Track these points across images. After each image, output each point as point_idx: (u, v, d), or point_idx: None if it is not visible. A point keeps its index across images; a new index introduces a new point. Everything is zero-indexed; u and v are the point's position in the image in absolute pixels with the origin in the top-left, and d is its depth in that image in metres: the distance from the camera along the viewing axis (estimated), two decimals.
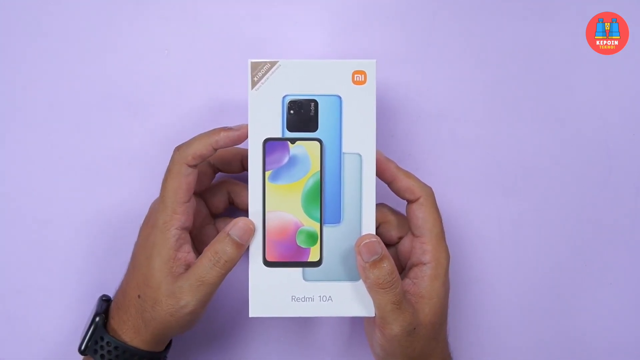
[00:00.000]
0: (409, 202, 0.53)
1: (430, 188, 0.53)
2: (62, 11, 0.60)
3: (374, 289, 0.49)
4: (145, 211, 0.55)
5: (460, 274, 0.61)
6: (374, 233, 0.50)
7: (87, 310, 0.58)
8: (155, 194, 0.53)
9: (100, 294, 0.56)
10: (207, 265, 0.50)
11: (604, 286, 0.62)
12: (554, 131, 0.61)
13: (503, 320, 0.62)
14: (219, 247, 0.50)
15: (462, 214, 0.61)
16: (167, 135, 0.60)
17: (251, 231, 0.50)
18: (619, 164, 0.62)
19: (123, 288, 0.54)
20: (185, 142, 0.52)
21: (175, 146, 0.52)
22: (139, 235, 0.54)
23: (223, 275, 0.50)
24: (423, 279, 0.51)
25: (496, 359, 0.62)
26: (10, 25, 0.60)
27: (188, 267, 0.51)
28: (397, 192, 0.53)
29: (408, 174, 0.53)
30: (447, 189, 0.60)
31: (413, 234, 0.53)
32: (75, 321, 0.60)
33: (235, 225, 0.50)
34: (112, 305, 0.54)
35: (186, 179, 0.51)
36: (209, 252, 0.50)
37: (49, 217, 0.60)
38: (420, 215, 0.52)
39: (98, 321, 0.53)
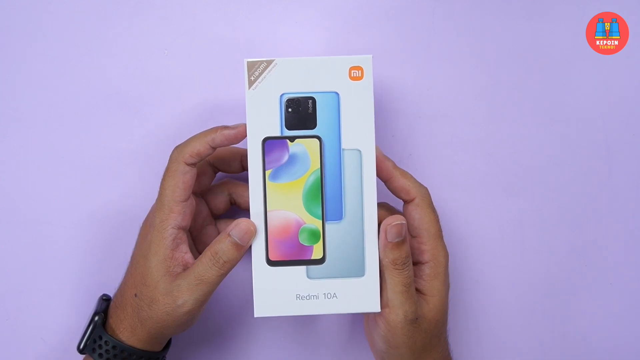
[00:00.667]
0: (405, 202, 0.53)
1: (425, 188, 0.53)
2: (62, 11, 0.60)
3: (389, 267, 0.49)
4: (144, 211, 0.55)
5: (459, 274, 0.61)
6: (377, 227, 0.50)
7: (86, 310, 0.58)
8: (155, 193, 0.53)
9: (100, 294, 0.56)
10: (206, 265, 0.50)
11: (604, 286, 0.62)
12: (554, 131, 0.61)
13: (503, 320, 0.62)
14: (219, 248, 0.50)
15: (462, 214, 0.61)
16: (166, 135, 0.60)
17: (252, 233, 0.50)
18: (619, 164, 0.62)
19: (121, 287, 0.54)
20: (184, 142, 0.52)
21: (175, 146, 0.52)
22: (139, 235, 0.54)
23: (222, 276, 0.50)
24: (422, 278, 0.52)
25: (496, 359, 0.62)
26: (10, 26, 0.60)
27: (185, 267, 0.51)
28: (393, 191, 0.53)
29: (404, 174, 0.53)
30: (447, 189, 0.61)
31: (410, 234, 0.53)
32: (75, 321, 0.60)
33: (237, 227, 0.50)
34: (111, 304, 0.54)
35: (183, 178, 0.51)
36: (209, 252, 0.50)
37: (49, 217, 0.60)
38: (417, 216, 0.52)
39: (97, 320, 0.53)
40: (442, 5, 0.60)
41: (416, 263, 0.52)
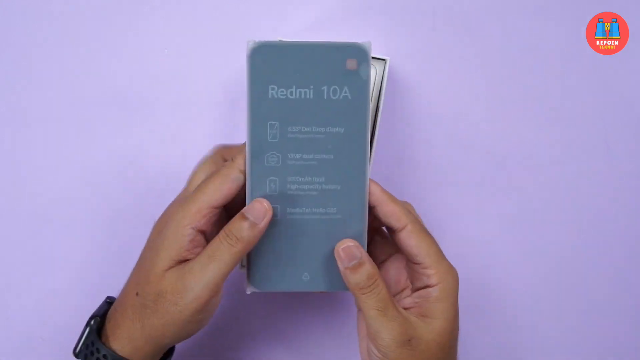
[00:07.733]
0: (396, 230, 0.49)
1: (413, 215, 0.50)
2: (62, 11, 0.60)
3: (356, 294, 0.47)
4: (144, 210, 0.55)
5: (460, 274, 0.61)
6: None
7: (87, 310, 0.58)
8: (155, 193, 0.53)
9: (100, 293, 0.56)
10: (218, 242, 0.46)
11: (604, 286, 0.62)
12: (554, 131, 0.61)
13: (503, 321, 0.62)
14: (233, 226, 0.47)
15: (462, 214, 0.61)
16: (167, 135, 0.60)
17: (266, 212, 0.47)
18: (619, 164, 0.62)
19: (124, 288, 0.51)
20: (239, 145, 0.49)
21: (222, 145, 0.51)
22: (152, 232, 0.51)
23: (235, 255, 0.46)
24: (427, 300, 0.49)
25: (494, 357, 0.62)
26: (11, 25, 0.60)
27: None
28: (383, 218, 0.49)
29: (393, 199, 0.49)
30: (446, 189, 0.60)
31: (412, 262, 0.50)
32: (75, 321, 0.59)
33: (251, 207, 0.47)
34: (111, 307, 0.51)
35: (231, 185, 0.48)
36: (222, 231, 0.47)
37: (50, 217, 0.60)
38: (413, 242, 0.49)
39: (92, 324, 0.50)
40: (442, 5, 0.60)
41: (423, 287, 0.49)
